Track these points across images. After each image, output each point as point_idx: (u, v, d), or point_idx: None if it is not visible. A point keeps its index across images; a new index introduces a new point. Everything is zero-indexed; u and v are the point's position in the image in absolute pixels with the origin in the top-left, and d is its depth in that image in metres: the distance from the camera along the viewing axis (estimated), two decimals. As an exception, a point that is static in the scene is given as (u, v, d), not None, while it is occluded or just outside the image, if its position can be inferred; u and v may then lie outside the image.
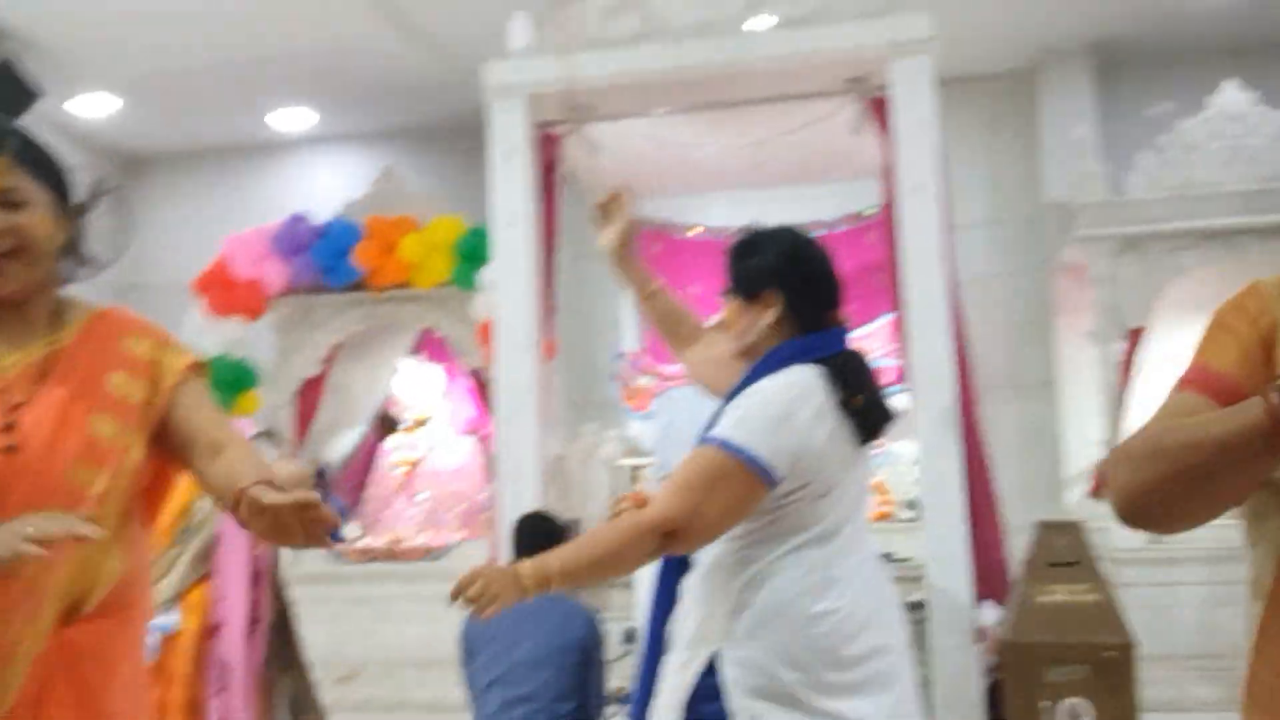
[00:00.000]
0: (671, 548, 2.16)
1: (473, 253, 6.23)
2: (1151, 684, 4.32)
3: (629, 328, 7.23)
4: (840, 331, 2.35)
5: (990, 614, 4.64)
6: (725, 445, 2.15)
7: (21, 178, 1.67)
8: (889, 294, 5.25)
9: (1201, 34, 6.44)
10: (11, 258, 1.66)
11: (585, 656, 3.62)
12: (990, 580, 4.79)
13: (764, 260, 2.34)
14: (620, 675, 4.11)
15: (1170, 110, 6.34)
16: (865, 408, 2.23)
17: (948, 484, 4.68)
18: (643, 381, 7.03)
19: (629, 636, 4.80)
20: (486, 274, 5.89)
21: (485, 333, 5.79)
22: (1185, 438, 1.25)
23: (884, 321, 6.33)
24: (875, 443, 2.33)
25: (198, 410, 1.75)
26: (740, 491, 2.13)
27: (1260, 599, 1.39)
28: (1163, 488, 1.26)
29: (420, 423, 6.99)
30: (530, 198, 5.20)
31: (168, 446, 1.74)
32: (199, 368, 1.80)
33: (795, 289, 2.31)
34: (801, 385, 2.21)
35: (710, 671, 2.17)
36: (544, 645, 3.54)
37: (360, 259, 6.47)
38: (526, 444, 5.07)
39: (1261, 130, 5.91)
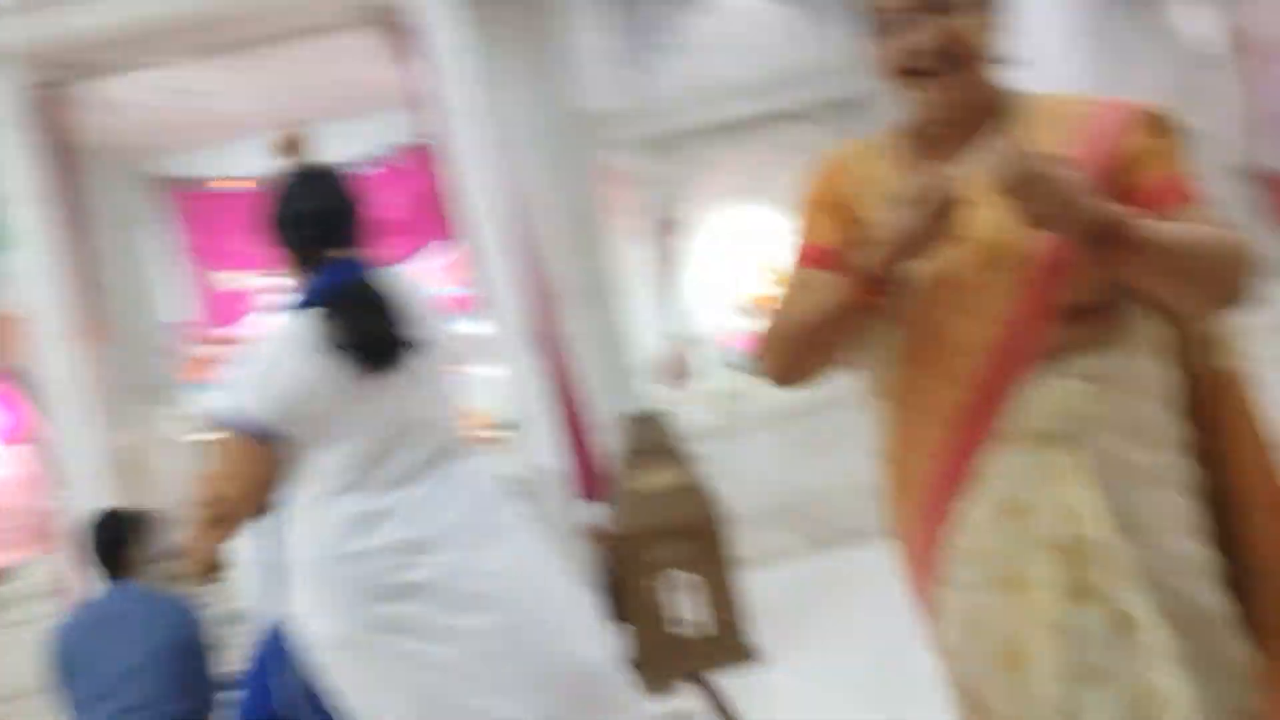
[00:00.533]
0: (226, 527, 2.17)
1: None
2: (741, 543, 4.70)
3: (178, 297, 6.76)
4: (342, 266, 2.27)
5: (597, 512, 4.84)
6: (219, 418, 2.16)
7: None
8: (445, 223, 5.25)
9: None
10: None
11: (188, 649, 3.42)
12: (591, 481, 5.01)
13: (268, 214, 2.31)
14: (231, 659, 3.92)
15: (684, 11, 6.69)
16: (364, 340, 2.19)
17: (535, 399, 4.80)
18: (201, 350, 6.63)
19: (232, 619, 4.58)
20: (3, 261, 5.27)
21: (8, 327, 5.20)
22: (808, 318, 1.56)
23: (443, 250, 6.33)
24: (405, 371, 2.27)
25: None
26: (244, 458, 2.12)
27: (885, 396, 1.61)
28: (803, 358, 1.59)
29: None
30: (40, 170, 4.68)
31: None
32: None
33: (286, 234, 2.28)
34: (283, 334, 2.18)
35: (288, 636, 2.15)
36: (142, 649, 3.31)
37: None
38: (86, 440, 4.66)
39: (766, 24, 6.39)
